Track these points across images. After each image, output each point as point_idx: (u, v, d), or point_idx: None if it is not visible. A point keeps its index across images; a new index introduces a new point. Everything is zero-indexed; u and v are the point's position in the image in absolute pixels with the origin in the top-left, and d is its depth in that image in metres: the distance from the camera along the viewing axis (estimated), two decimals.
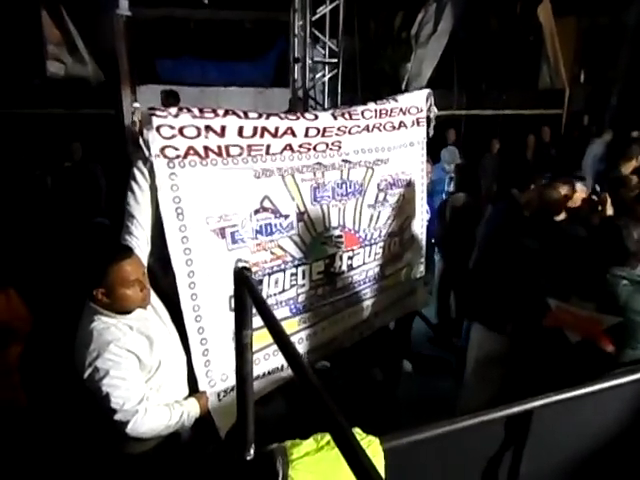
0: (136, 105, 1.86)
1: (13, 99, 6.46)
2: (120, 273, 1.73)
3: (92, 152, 5.96)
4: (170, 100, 5.72)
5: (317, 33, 5.62)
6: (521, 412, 1.64)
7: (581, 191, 3.20)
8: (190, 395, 2.00)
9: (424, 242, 3.05)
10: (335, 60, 5.81)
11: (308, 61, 5.49)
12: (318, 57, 5.90)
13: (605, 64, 8.79)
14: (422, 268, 3.10)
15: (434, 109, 2.71)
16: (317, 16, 5.56)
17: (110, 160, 6.14)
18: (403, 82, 7.54)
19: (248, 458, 1.35)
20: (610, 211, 3.08)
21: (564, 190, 3.08)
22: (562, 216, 2.93)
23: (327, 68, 5.96)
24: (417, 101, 2.67)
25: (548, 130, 7.62)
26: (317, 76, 5.97)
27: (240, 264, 2.06)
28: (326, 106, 5.86)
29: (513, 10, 8.43)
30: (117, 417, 1.71)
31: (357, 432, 1.48)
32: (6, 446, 1.99)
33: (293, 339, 2.36)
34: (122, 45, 6.91)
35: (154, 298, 1.92)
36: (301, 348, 2.44)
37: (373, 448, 1.47)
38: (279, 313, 2.28)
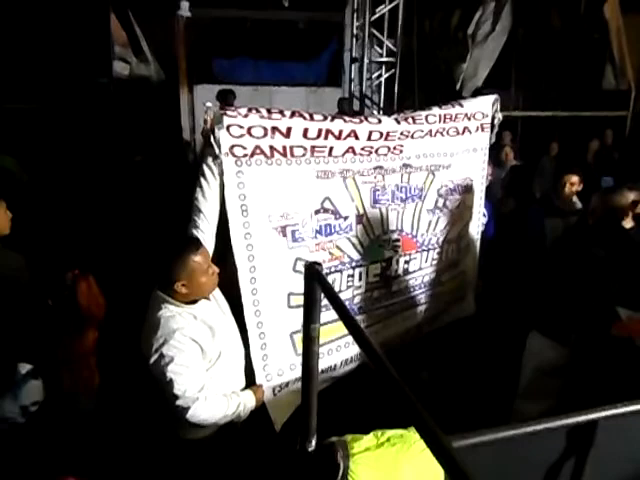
0: (208, 105, 1.92)
1: (82, 97, 6.80)
2: (199, 262, 1.81)
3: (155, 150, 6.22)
4: (229, 99, 5.86)
5: (376, 33, 5.60)
6: (586, 422, 1.59)
7: None
8: (247, 387, 2.06)
9: (479, 248, 3.00)
10: (393, 60, 5.77)
11: (366, 61, 5.49)
12: (375, 57, 5.88)
13: None
14: (475, 274, 3.05)
15: (499, 115, 2.65)
16: (376, 16, 5.54)
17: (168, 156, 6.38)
18: (458, 82, 7.40)
19: (310, 449, 1.37)
20: None
21: (631, 196, 2.94)
22: (630, 223, 2.79)
23: (384, 68, 5.93)
24: (483, 107, 2.63)
25: (611, 133, 7.29)
26: (374, 76, 5.95)
27: (300, 263, 2.12)
28: (381, 106, 5.83)
29: (577, 7, 8.08)
30: (179, 403, 1.78)
31: (414, 432, 1.48)
32: (78, 423, 2.11)
33: (347, 340, 2.38)
34: (181, 45, 7.14)
35: (216, 290, 1.99)
36: (354, 350, 2.46)
37: None
38: (334, 314, 2.29)
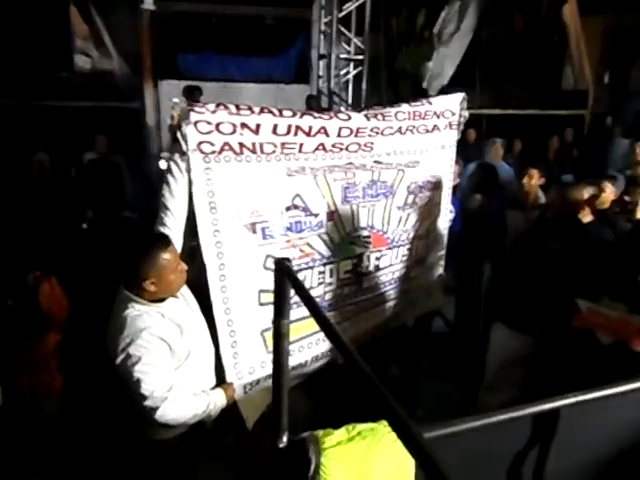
0: (175, 100, 1.90)
1: (41, 91, 6.57)
2: (166, 261, 1.78)
3: (116, 144, 6.04)
4: (195, 95, 5.78)
5: (343, 30, 5.62)
6: (549, 410, 1.64)
7: (610, 192, 3.15)
8: (217, 386, 2.04)
9: (445, 243, 3.05)
10: (361, 57, 5.80)
11: (333, 58, 5.49)
12: (343, 54, 5.89)
13: (629, 65, 8.65)
14: (441, 269, 3.10)
15: (465, 113, 2.69)
16: (343, 13, 5.55)
17: (132, 153, 6.24)
18: (424, 80, 7.50)
19: (281, 445, 1.37)
20: None
21: (589, 191, 3.04)
22: (589, 217, 2.90)
23: (352, 65, 5.95)
24: (452, 104, 2.65)
25: (571, 131, 7.54)
26: (341, 73, 5.97)
27: (270, 260, 2.11)
28: (349, 103, 5.85)
29: (538, 9, 8.32)
30: (147, 403, 1.75)
31: (385, 424, 1.49)
32: (40, 426, 2.05)
33: (317, 337, 2.38)
34: (146, 40, 6.99)
35: (184, 288, 1.96)
36: (324, 346, 2.46)
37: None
38: (305, 310, 2.29)
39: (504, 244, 3.52)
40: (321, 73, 5.95)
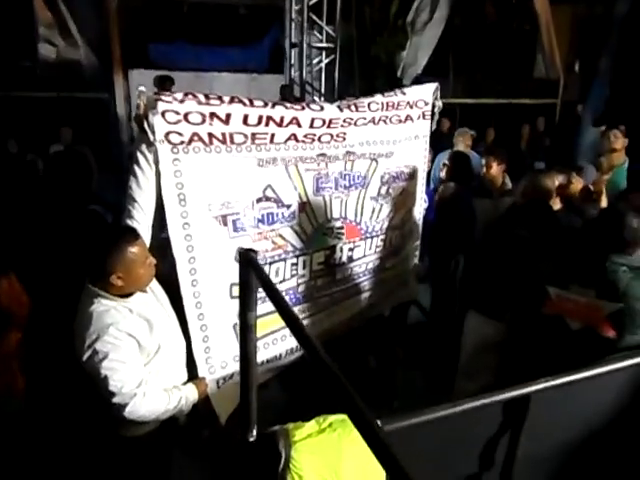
0: (141, 89, 1.82)
1: (3, 81, 6.36)
2: (134, 255, 1.74)
3: (83, 136, 5.89)
4: (166, 85, 5.66)
5: (314, 18, 5.56)
6: (519, 396, 1.66)
7: (577, 181, 3.21)
8: (189, 381, 2.01)
9: (420, 233, 3.06)
10: (332, 45, 5.76)
11: (305, 46, 5.43)
12: (315, 42, 5.84)
13: (599, 54, 8.80)
14: (416, 259, 3.11)
15: (439, 103, 2.68)
16: (314, 1, 5.49)
17: (100, 144, 6.09)
18: (399, 70, 7.50)
19: (251, 439, 1.35)
20: (604, 202, 3.09)
21: (559, 179, 3.08)
22: (558, 205, 2.94)
23: (324, 54, 5.90)
24: (425, 94, 2.64)
25: (542, 120, 7.64)
26: (314, 62, 5.92)
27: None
28: (322, 92, 5.81)
29: None
30: (115, 400, 1.71)
31: None
32: (3, 430, 1.99)
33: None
34: (114, 28, 6.81)
35: (153, 282, 1.91)
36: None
37: None
38: None
39: (474, 233, 3.55)
40: (293, 62, 5.88)
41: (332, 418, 1.44)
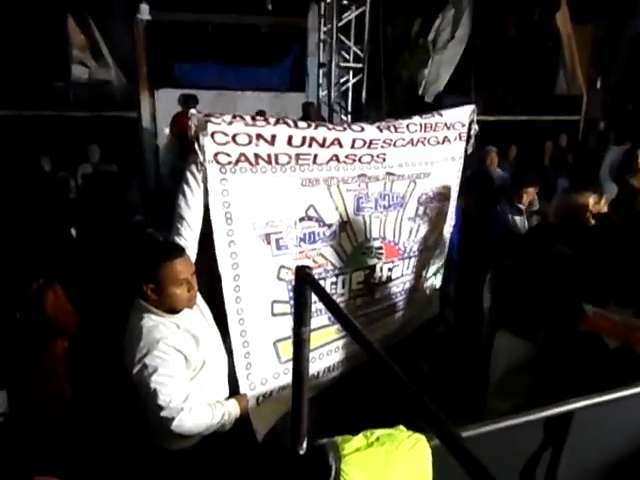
0: (192, 111, 1.90)
1: (37, 101, 6.58)
2: (172, 271, 1.78)
3: (111, 154, 6.06)
4: (190, 103, 5.81)
5: (343, 38, 5.66)
6: (562, 413, 1.66)
7: (605, 200, 3.19)
8: (230, 396, 2.04)
9: (446, 253, 3.08)
10: (360, 65, 5.83)
11: (333, 66, 5.53)
12: (342, 62, 5.93)
13: (620, 71, 8.77)
14: (440, 278, 3.12)
15: (475, 125, 2.71)
16: (343, 22, 5.60)
17: (127, 161, 6.24)
18: (420, 87, 7.56)
19: (301, 452, 1.38)
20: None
21: (592, 197, 3.08)
22: (591, 222, 2.93)
23: (351, 73, 5.98)
24: (462, 116, 2.68)
25: (565, 136, 7.61)
26: (341, 81, 6.00)
27: (283, 270, 2.13)
28: (349, 111, 5.89)
29: (531, 16, 8.42)
30: (163, 414, 1.75)
31: (401, 430, 1.51)
32: (48, 436, 2.04)
33: (330, 348, 2.40)
34: (142, 49, 7.02)
35: (199, 299, 1.97)
36: (336, 357, 2.47)
37: (420, 446, 1.49)
38: (318, 321, 2.31)
39: (502, 250, 3.54)
40: (320, 82, 5.98)
41: (379, 432, 1.46)
